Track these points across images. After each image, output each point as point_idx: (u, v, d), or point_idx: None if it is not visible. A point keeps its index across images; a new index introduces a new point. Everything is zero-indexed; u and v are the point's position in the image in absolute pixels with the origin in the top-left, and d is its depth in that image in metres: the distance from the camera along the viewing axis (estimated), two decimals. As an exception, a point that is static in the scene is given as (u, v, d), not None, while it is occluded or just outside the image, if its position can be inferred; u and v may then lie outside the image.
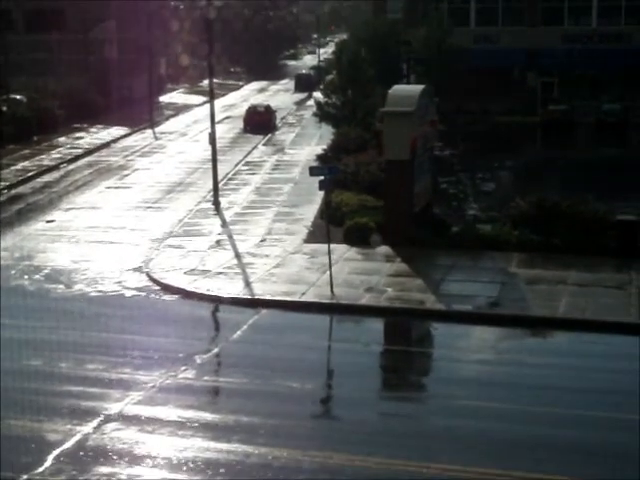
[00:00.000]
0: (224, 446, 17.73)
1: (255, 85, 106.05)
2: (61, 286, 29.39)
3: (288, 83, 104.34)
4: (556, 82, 73.33)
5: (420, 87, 36.35)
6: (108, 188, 46.42)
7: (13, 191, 45.24)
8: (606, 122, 64.51)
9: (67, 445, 17.70)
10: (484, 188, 47.17)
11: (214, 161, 42.26)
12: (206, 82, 58.05)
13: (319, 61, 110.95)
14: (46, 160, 53.29)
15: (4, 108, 60.41)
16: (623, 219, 31.91)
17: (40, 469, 16.71)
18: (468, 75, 68.65)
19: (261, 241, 34.36)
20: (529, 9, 73.55)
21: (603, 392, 20.66)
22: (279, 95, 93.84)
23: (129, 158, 55.65)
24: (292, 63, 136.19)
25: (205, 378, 21.80)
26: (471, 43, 71.75)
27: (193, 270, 30.61)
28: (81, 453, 17.42)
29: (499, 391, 20.76)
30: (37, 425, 18.57)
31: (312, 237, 34.61)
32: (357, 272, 29.91)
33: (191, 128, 68.62)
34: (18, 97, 63.89)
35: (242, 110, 71.99)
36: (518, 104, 70.93)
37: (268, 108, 69.93)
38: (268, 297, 27.56)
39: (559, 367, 22.48)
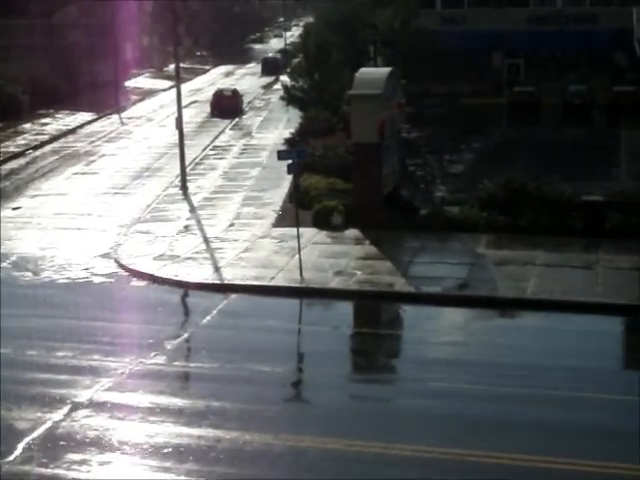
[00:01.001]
0: (195, 431, 17.73)
1: (222, 69, 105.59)
2: (29, 274, 29.22)
3: (255, 67, 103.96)
4: (522, 64, 73.51)
5: (387, 70, 36.36)
6: (75, 174, 46.12)
7: (-22, 178, 44.88)
8: (572, 103, 64.79)
9: (37, 433, 17.63)
10: (451, 170, 47.31)
11: (181, 146, 42.07)
12: (172, 66, 57.74)
13: (286, 44, 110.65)
14: (11, 147, 52.84)
15: (-33, 94, 59.86)
16: (589, 199, 32.14)
17: (11, 457, 16.63)
18: (435, 57, 68.58)
19: (230, 225, 34.30)
20: (495, -9, 73.62)
21: (572, 371, 20.82)
22: (246, 79, 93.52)
23: (95, 144, 55.30)
24: (258, 47, 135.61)
25: (175, 364, 21.77)
26: (437, 25, 71.75)
27: (162, 256, 30.51)
28: (51, 441, 17.36)
29: (469, 372, 20.86)
30: (6, 413, 18.47)
31: (281, 221, 34.58)
32: (326, 255, 29.93)
33: (158, 113, 68.25)
34: (-19, 83, 63.30)
35: (209, 94, 71.69)
36: (484, 86, 71.04)
37: (235, 92, 69.67)
38: (237, 282, 27.53)
39: (528, 347, 22.61)
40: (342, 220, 32.63)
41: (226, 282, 27.58)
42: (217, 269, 28.81)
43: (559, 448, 16.95)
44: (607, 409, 18.88)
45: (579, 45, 70.14)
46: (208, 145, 53.76)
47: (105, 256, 30.97)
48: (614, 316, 24.98)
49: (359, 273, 28.01)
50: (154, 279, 28.31)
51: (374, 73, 37.25)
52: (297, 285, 27.14)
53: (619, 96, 62.46)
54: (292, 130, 51.57)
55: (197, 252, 30.87)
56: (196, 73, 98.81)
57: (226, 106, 66.46)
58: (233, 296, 26.71)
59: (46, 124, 61.59)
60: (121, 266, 29.71)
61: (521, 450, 16.86)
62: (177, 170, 42.50)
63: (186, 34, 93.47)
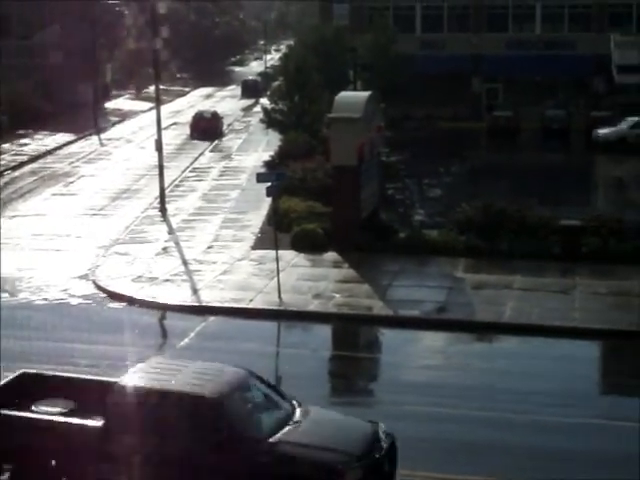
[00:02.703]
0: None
1: (202, 91, 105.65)
2: (5, 294, 29.04)
3: (235, 89, 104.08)
4: (501, 88, 73.99)
5: (367, 93, 36.52)
6: (53, 195, 45.98)
7: (-44, 198, 44.64)
8: (551, 128, 65.19)
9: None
10: (430, 194, 47.46)
11: (160, 168, 42.05)
12: (152, 88, 57.71)
13: (266, 67, 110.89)
14: (-10, 167, 52.65)
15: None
16: (566, 224, 32.29)
17: (-15, 481, 16.50)
18: (414, 81, 69.00)
19: (209, 247, 34.23)
20: (474, 16, 74.17)
21: (550, 395, 20.87)
22: (226, 101, 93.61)
23: (74, 165, 55.16)
24: (239, 69, 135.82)
25: (152, 386, 21.62)
26: (417, 49, 72.16)
27: (140, 277, 30.42)
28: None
29: (447, 396, 20.87)
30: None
31: (260, 244, 34.57)
32: (305, 278, 29.93)
33: (137, 134, 68.20)
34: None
35: (189, 116, 71.66)
36: (463, 110, 71.43)
37: (215, 114, 69.72)
38: (216, 304, 27.49)
39: (506, 371, 22.68)
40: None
41: (204, 304, 27.53)
42: (195, 291, 28.76)
43: (539, 471, 16.97)
44: (587, 433, 18.93)
45: (558, 70, 70.64)
46: (188, 167, 53.74)
47: (83, 277, 30.86)
48: (591, 340, 25.08)
49: (338, 296, 28.02)
50: (132, 301, 28.22)
51: (354, 97, 37.41)
52: (276, 308, 27.11)
53: (597, 121, 62.88)
54: (272, 153, 51.67)
55: (175, 274, 30.80)
56: (176, 95, 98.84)
57: (206, 128, 66.50)
58: (211, 318, 26.66)
59: (25, 144, 61.43)
60: (99, 288, 29.60)
61: (498, 472, 16.87)
62: (156, 192, 42.45)
63: (166, 56, 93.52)
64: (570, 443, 18.51)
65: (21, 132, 64.59)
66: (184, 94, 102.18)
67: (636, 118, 59.68)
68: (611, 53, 65.30)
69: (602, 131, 60.12)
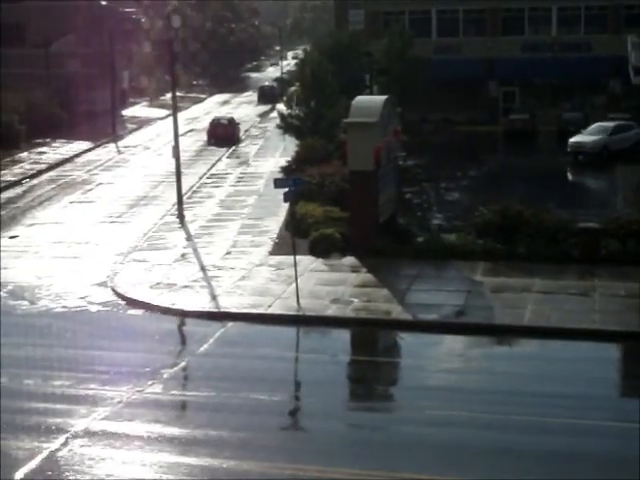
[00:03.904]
0: (192, 460, 17.66)
1: (218, 98, 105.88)
2: (25, 302, 29.17)
3: (251, 95, 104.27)
4: (517, 91, 73.89)
5: (383, 98, 36.49)
6: (72, 203, 46.16)
7: (-25, 207, 44.87)
8: (567, 131, 64.94)
9: (34, 462, 17.56)
10: (448, 198, 47.39)
11: (178, 174, 42.18)
12: (169, 95, 57.86)
13: (282, 73, 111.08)
14: (8, 175, 52.88)
15: (-35, 124, 59.91)
16: (585, 227, 32.20)
17: (7, 487, 16.57)
18: (430, 85, 68.99)
19: (227, 253, 34.28)
20: (490, 19, 74.11)
21: (570, 398, 20.79)
22: (242, 107, 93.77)
23: (92, 172, 55.36)
24: (255, 75, 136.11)
25: (172, 392, 21.72)
26: (433, 54, 72.13)
27: (158, 284, 30.50)
28: (48, 470, 17.28)
29: (467, 400, 20.81)
30: (3, 443, 18.40)
31: (278, 249, 34.59)
32: (323, 283, 29.92)
33: (154, 141, 68.40)
34: (-22, 112, 63.36)
35: (205, 123, 71.86)
36: (480, 114, 71.37)
37: (231, 120, 69.84)
38: (234, 310, 27.51)
39: (526, 375, 22.60)
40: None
41: (223, 310, 27.57)
42: (214, 297, 28.80)
43: (560, 475, 16.90)
44: (607, 436, 18.84)
45: (574, 73, 70.47)
46: (205, 173, 53.85)
47: (102, 285, 30.95)
48: (611, 343, 24.95)
49: (356, 301, 28.00)
50: (151, 307, 28.28)
51: (370, 101, 37.37)
52: (294, 313, 27.12)
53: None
54: (288, 158, 51.69)
55: (194, 280, 30.86)
56: (193, 102, 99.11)
57: (223, 134, 66.65)
58: (230, 324, 26.69)
59: (43, 153, 61.69)
60: (118, 294, 29.68)
61: (522, 477, 16.81)
62: (174, 198, 42.57)
63: (183, 63, 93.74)
64: (589, 445, 18.42)
65: (39, 140, 64.88)
66: (201, 101, 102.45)
67: (610, 123, 58.19)
68: (627, 54, 65.02)
69: (577, 140, 56.62)
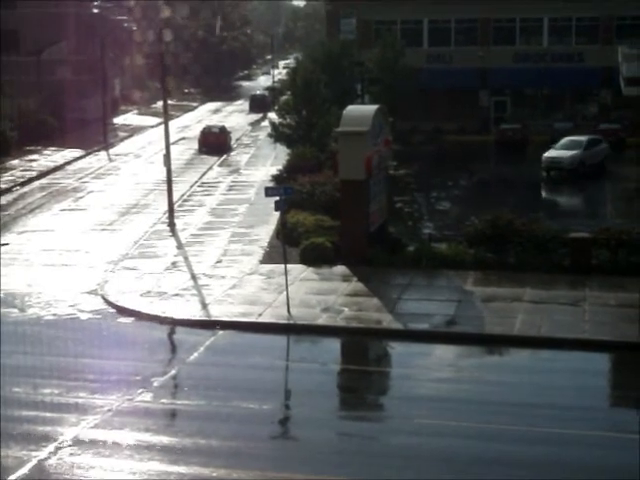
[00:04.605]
0: (182, 469, 17.62)
1: (210, 106, 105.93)
2: (15, 310, 29.08)
3: (243, 104, 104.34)
4: (508, 101, 74.12)
5: (374, 107, 36.56)
6: (62, 211, 46.08)
7: (-35, 214, 44.75)
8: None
9: (22, 471, 17.49)
10: (439, 207, 47.45)
11: (169, 182, 42.15)
12: (160, 103, 57.84)
13: (273, 82, 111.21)
14: (-1, 183, 52.81)
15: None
16: (576, 236, 32.26)
17: (-5, 496, 16.49)
18: (422, 95, 69.15)
19: (217, 262, 34.26)
20: (481, 29, 74.35)
21: (560, 408, 20.80)
22: (234, 116, 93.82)
23: (83, 180, 55.30)
24: (246, 84, 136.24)
25: (162, 401, 21.66)
26: (424, 63, 72.33)
27: (149, 292, 30.45)
28: (37, 479, 17.20)
29: (458, 409, 20.81)
30: (-9, 451, 18.34)
31: (268, 258, 34.59)
32: (314, 292, 29.91)
33: (145, 149, 68.37)
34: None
35: (197, 131, 71.87)
36: (471, 123, 71.60)
37: (223, 129, 69.88)
38: (225, 318, 27.48)
39: (517, 384, 22.63)
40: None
41: (213, 319, 27.53)
42: (204, 306, 28.76)
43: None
44: (597, 446, 18.85)
45: (565, 83, 70.78)
46: (196, 182, 53.83)
47: (92, 293, 30.88)
48: (602, 353, 25.00)
49: (346, 310, 27.99)
50: (141, 316, 28.23)
51: (361, 110, 37.44)
52: (285, 322, 27.10)
53: (605, 133, 62.86)
54: (280, 167, 51.70)
55: (184, 289, 30.82)
56: (184, 110, 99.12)
57: (214, 143, 66.69)
58: (220, 333, 26.65)
59: (34, 160, 61.58)
60: (108, 303, 29.61)
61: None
62: (165, 206, 42.53)
63: (175, 71, 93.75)
64: (579, 455, 18.43)
65: (30, 148, 64.77)
66: (192, 109, 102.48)
67: (582, 137, 56.61)
68: (619, 65, 65.27)
69: (552, 155, 54.75)
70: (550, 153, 54.90)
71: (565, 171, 53.49)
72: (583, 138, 56.33)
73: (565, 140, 56.29)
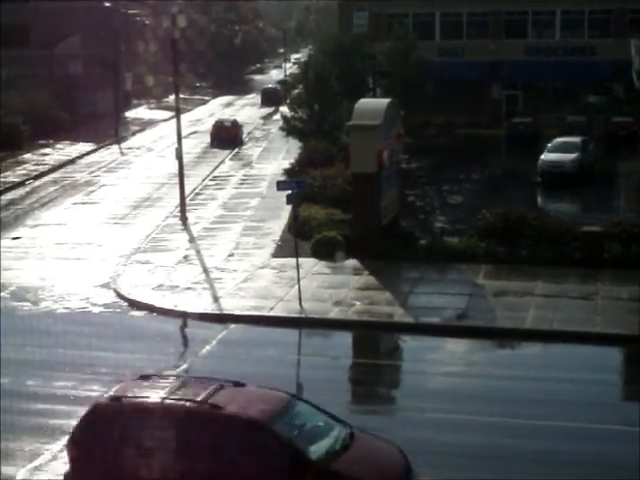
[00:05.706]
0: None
1: (221, 100, 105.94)
2: (28, 304, 29.21)
3: (255, 98, 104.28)
4: (520, 95, 73.90)
5: (386, 101, 36.53)
6: (75, 204, 46.20)
7: (-22, 208, 44.93)
8: (571, 134, 64.94)
9: (36, 464, 17.57)
10: (451, 201, 47.39)
11: (181, 176, 42.22)
12: (172, 97, 57.96)
13: (285, 75, 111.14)
14: (11, 177, 52.96)
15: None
16: (588, 230, 32.19)
17: (8, 488, 16.60)
18: (434, 88, 69.02)
19: (229, 256, 34.34)
20: (493, 22, 74.15)
21: (572, 403, 20.79)
22: (246, 110, 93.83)
23: (95, 174, 55.42)
24: (258, 77, 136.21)
25: (174, 394, 21.68)
26: (436, 56, 72.16)
27: (161, 286, 30.52)
28: (50, 471, 17.29)
29: (469, 403, 20.82)
30: (4, 444, 18.42)
31: (280, 251, 34.62)
32: (325, 286, 29.95)
33: (157, 143, 68.43)
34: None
35: (209, 125, 71.90)
36: (483, 117, 71.42)
37: (235, 123, 69.92)
38: (237, 312, 27.54)
39: (528, 378, 22.59)
40: (344, 256, 32.73)
41: (225, 312, 27.59)
42: (216, 299, 28.83)
43: (560, 478, 16.91)
44: (609, 440, 18.85)
45: (577, 76, 70.50)
46: (208, 175, 53.89)
47: (104, 286, 30.98)
48: (614, 346, 24.97)
49: (358, 303, 28.02)
50: (153, 309, 28.32)
51: (373, 104, 37.40)
52: (296, 315, 27.14)
53: (617, 127, 62.68)
54: (291, 160, 51.73)
55: (196, 282, 30.89)
56: (196, 104, 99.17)
57: (226, 136, 66.71)
58: (232, 326, 26.71)
59: (46, 154, 61.74)
60: (120, 296, 29.71)
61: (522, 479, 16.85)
62: (177, 200, 42.60)
63: (187, 65, 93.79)
64: (590, 449, 18.43)
65: (42, 142, 64.92)
66: (204, 103, 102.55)
67: (576, 138, 52.99)
68: (631, 59, 64.99)
69: (551, 159, 49.94)
70: (547, 156, 50.39)
71: (566, 175, 49.20)
72: (577, 139, 53.04)
73: (558, 142, 52.60)
